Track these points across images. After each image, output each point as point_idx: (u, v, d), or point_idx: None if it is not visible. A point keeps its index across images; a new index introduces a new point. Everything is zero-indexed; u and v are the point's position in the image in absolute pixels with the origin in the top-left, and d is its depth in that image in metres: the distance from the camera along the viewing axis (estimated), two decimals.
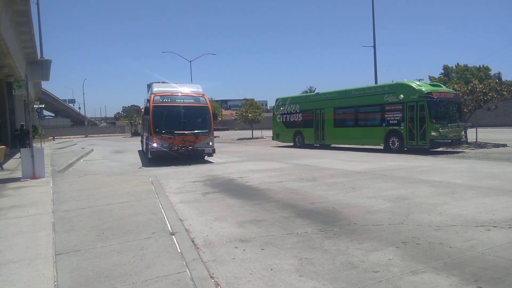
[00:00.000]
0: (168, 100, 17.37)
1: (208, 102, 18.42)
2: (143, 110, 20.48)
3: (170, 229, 6.23)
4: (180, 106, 17.44)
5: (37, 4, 34.03)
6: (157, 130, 16.46)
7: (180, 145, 16.96)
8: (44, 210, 7.95)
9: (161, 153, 16.78)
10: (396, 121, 20.15)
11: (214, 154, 18.68)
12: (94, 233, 6.14)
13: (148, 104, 17.51)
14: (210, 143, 17.62)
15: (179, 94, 18.04)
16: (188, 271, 4.46)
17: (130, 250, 5.27)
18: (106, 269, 4.61)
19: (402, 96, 19.76)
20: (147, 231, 6.15)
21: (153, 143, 16.43)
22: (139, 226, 6.39)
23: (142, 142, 24.45)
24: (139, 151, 25.68)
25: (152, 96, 17.24)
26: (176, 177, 12.81)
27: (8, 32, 21.10)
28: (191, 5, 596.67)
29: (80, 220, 7.03)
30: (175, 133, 16.71)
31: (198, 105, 17.94)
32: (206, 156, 18.73)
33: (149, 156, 17.04)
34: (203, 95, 18.38)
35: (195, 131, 17.26)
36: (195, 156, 17.94)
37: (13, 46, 23.18)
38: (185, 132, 16.93)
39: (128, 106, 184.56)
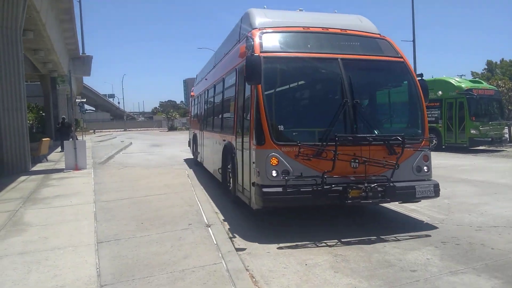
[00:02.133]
0: (307, 45, 6.74)
1: (402, 53, 7.10)
2: (193, 93, 15.61)
3: (206, 221, 6.34)
4: (337, 61, 6.51)
5: (79, 2, 35.24)
6: (284, 129, 6.04)
7: (352, 176, 6.02)
8: (86, 200, 8.29)
9: (298, 200, 5.74)
10: (434, 118, 19.54)
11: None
12: (133, 223, 6.35)
13: (239, 61, 7.32)
14: (424, 168, 6.44)
15: (330, 31, 7.03)
16: (224, 263, 4.54)
17: (168, 240, 5.42)
18: (145, 257, 4.77)
19: (440, 92, 19.10)
20: (184, 222, 6.29)
21: (272, 166, 5.82)
22: (176, 218, 6.55)
23: (197, 147, 13.29)
24: (186, 160, 16.98)
25: (256, 34, 6.61)
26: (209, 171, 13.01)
27: (53, 29, 22.01)
28: (229, 4, 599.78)
29: (120, 210, 7.28)
30: (340, 140, 5.80)
31: (381, 58, 6.94)
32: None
33: (258, 203, 5.85)
34: (383, 36, 7.33)
35: (389, 135, 6.25)
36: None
37: (57, 42, 24.18)
38: (365, 137, 6.05)
39: (165, 101, 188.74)
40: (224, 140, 8.43)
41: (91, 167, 14.08)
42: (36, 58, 25.54)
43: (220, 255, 4.80)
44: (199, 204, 7.45)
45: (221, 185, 8.94)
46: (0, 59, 12.97)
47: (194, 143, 14.58)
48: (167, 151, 22.67)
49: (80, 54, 35.86)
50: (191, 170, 12.81)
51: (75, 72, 35.57)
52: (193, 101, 15.42)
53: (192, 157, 15.69)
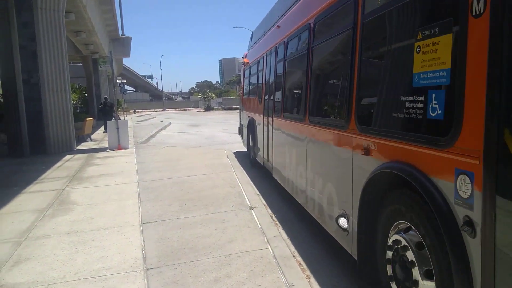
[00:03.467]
0: None
1: None
2: (246, 60, 11.03)
3: (248, 203, 6.20)
4: None
5: None
6: None
7: None
8: (130, 179, 8.36)
9: None
10: None
11: None
12: (176, 203, 6.31)
13: None
14: None
15: None
16: (270, 248, 4.37)
17: (212, 222, 5.32)
18: (190, 240, 4.68)
19: None
20: (227, 204, 6.18)
21: None
22: (218, 199, 6.45)
23: (256, 142, 9.29)
24: (237, 154, 11.72)
25: None
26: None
27: (93, 11, 22.33)
28: None
29: (163, 190, 7.27)
30: None
31: None
32: None
33: None
34: None
35: None
36: None
37: (97, 24, 24.56)
38: None
39: (201, 82, 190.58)
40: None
41: (133, 146, 14.31)
42: (78, 40, 26.12)
43: (265, 239, 4.64)
44: (241, 186, 7.32)
45: (262, 167, 8.79)
46: (44, 41, 13.24)
47: (250, 132, 9.93)
48: (205, 131, 22.76)
49: (120, 35, 36.48)
50: (230, 151, 12.71)
51: (115, 53, 36.13)
52: (248, 71, 10.70)
53: (245, 150, 11.36)
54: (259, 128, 8.60)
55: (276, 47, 7.04)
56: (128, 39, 37.77)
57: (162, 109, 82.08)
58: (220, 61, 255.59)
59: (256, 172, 9.06)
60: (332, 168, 4.15)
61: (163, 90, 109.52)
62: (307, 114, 4.97)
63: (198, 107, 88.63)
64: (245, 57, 11.45)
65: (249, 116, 10.19)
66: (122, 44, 37.28)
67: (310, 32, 4.95)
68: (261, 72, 8.37)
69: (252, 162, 10.00)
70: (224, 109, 71.43)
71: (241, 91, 12.40)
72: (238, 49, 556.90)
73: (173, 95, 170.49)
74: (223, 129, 23.67)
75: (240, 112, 12.68)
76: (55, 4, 13.45)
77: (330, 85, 4.66)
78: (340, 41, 4.10)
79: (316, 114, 4.79)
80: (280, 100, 6.53)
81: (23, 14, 12.90)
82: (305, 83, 5.05)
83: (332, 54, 4.55)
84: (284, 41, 6.40)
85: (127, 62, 72.59)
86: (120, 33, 36.82)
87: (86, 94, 32.97)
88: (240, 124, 12.56)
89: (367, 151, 3.23)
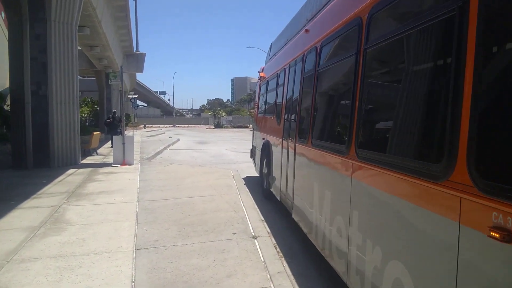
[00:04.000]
0: None
1: None
2: (263, 74, 9.82)
3: (252, 231, 5.79)
4: None
5: (135, 0, 36.10)
6: None
7: None
8: (130, 198, 8.02)
9: None
10: None
11: None
12: (175, 227, 5.92)
13: None
14: None
15: None
16: (273, 287, 3.95)
17: (211, 252, 4.92)
18: (185, 272, 4.28)
19: None
20: (229, 231, 5.78)
21: None
22: (220, 224, 6.05)
23: (271, 170, 7.84)
24: (247, 179, 10.57)
25: None
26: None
27: (108, 26, 22.48)
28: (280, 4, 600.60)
29: (163, 211, 6.90)
30: None
31: None
32: None
33: None
34: None
35: None
36: None
37: (112, 39, 24.72)
38: None
39: (212, 99, 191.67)
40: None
41: (138, 162, 14.03)
42: (92, 54, 26.32)
43: (268, 276, 4.22)
44: (245, 210, 6.92)
45: (277, 201, 8.33)
46: (56, 53, 13.17)
47: (264, 157, 8.53)
48: (213, 149, 22.47)
49: (134, 51, 36.81)
50: (237, 171, 12.34)
51: (128, 69, 36.55)
52: (264, 86, 9.46)
53: (256, 174, 10.24)
54: (276, 154, 7.22)
55: (303, 55, 5.64)
56: (142, 55, 38.08)
57: (172, 125, 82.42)
58: (232, 80, 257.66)
59: (270, 206, 8.64)
60: (411, 242, 2.48)
61: (174, 107, 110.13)
62: (353, 146, 3.42)
63: (208, 124, 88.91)
64: (262, 71, 10.09)
65: (264, 138, 8.76)
66: (136, 60, 37.58)
67: (363, 29, 3.47)
68: (282, 87, 7.02)
69: (265, 193, 8.50)
70: (234, 127, 71.43)
71: (256, 109, 10.83)
72: (250, 68, 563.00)
73: (184, 111, 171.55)
74: (231, 148, 23.36)
75: (253, 132, 11.31)
76: (69, 17, 13.43)
77: (406, 102, 2.78)
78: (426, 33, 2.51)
79: (371, 147, 3.22)
80: (307, 121, 5.07)
81: (36, 26, 12.88)
82: (352, 99, 3.55)
83: (408, 54, 2.81)
84: (316, 47, 5.01)
85: (140, 77, 73.38)
86: (135, 49, 37.18)
87: (98, 108, 33.13)
88: (252, 145, 11.15)
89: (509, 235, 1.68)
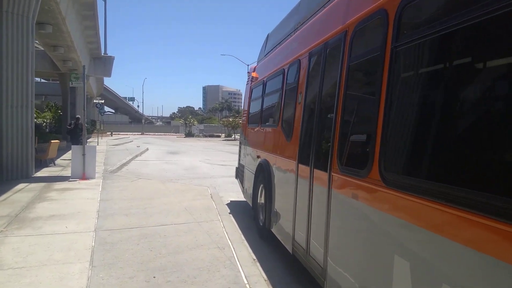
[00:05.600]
0: None
1: None
2: (256, 74, 8.29)
3: (245, 279, 4.44)
4: None
5: (105, 0, 34.28)
6: None
7: None
8: (86, 226, 6.50)
9: None
10: None
11: None
12: (142, 275, 4.49)
13: None
14: None
15: None
16: None
17: None
18: None
19: None
20: (214, 282, 4.39)
21: None
22: (202, 271, 4.64)
23: (272, 203, 5.87)
24: (231, 205, 9.07)
25: None
26: (237, 189, 11.10)
27: (74, 24, 20.70)
28: (251, 15, 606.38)
29: (127, 248, 5.44)
30: None
31: None
32: None
33: None
34: None
35: None
36: None
37: (77, 39, 22.89)
38: None
39: (183, 107, 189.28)
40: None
41: (100, 176, 12.40)
42: (55, 55, 24.29)
43: None
44: (231, 246, 5.55)
45: (250, 211, 6.88)
46: (7, 49, 11.47)
47: (260, 183, 6.74)
48: (185, 160, 20.94)
49: (102, 54, 34.86)
50: (214, 188, 10.95)
51: (95, 72, 34.54)
52: (258, 89, 7.74)
53: (244, 199, 8.51)
54: (284, 183, 5.33)
55: (341, 37, 3.76)
56: (110, 59, 36.17)
57: (140, 133, 79.96)
58: (204, 88, 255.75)
59: (245, 222, 7.31)
60: None
61: (144, 114, 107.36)
62: None
63: (179, 132, 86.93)
64: (253, 71, 8.44)
65: (258, 156, 6.86)
66: (103, 63, 35.66)
67: None
68: (296, 86, 5.12)
69: (261, 231, 6.51)
70: (205, 136, 69.87)
71: (245, 117, 8.91)
72: (223, 77, 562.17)
73: (153, 118, 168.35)
74: (205, 159, 21.90)
75: (240, 146, 9.16)
76: (24, 8, 11.76)
77: None
78: None
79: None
80: (369, 139, 3.03)
81: None
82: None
83: None
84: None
85: (108, 83, 70.57)
86: (103, 51, 35.22)
87: (61, 113, 30.95)
88: (239, 163, 9.19)
89: None
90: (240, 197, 10.01)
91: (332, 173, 3.63)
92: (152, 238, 5.89)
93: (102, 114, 42.01)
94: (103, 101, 40.03)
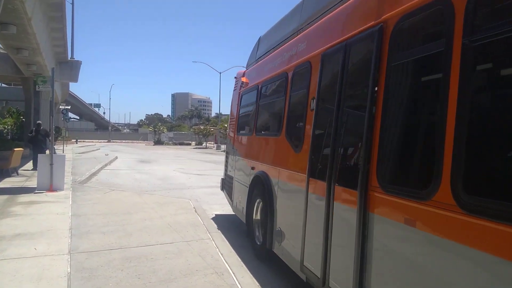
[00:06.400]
0: None
1: None
2: (246, 79, 7.69)
3: None
4: None
5: (72, 2, 32.91)
6: None
7: None
8: (58, 248, 5.68)
9: None
10: None
11: None
12: None
13: None
14: None
15: None
16: None
17: None
18: None
19: None
20: None
21: None
22: None
23: (273, 226, 5.29)
24: (217, 218, 8.50)
25: None
26: (220, 201, 10.45)
27: (40, 26, 19.49)
28: (227, 18, 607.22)
29: (109, 275, 4.70)
30: None
31: None
32: None
33: None
34: None
35: None
36: None
37: (43, 42, 21.64)
38: None
39: (151, 114, 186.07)
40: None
41: (69, 187, 11.43)
42: (19, 58, 22.82)
43: None
44: (231, 271, 4.91)
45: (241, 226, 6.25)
46: None
47: (258, 199, 6.12)
48: (158, 170, 20.03)
49: (69, 58, 33.42)
50: (196, 200, 10.25)
51: (61, 77, 32.96)
52: (251, 94, 7.15)
53: (231, 212, 8.01)
54: (290, 200, 4.80)
55: (373, 33, 3.23)
56: (78, 63, 34.73)
57: (107, 140, 77.68)
58: (173, 95, 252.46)
59: (238, 239, 6.68)
60: None
61: (110, 121, 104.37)
62: None
63: (147, 140, 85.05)
64: (243, 76, 7.92)
65: (253, 168, 6.33)
66: (70, 67, 34.18)
67: None
68: (306, 91, 4.53)
69: (258, 251, 5.89)
70: (175, 144, 68.54)
71: (232, 125, 8.32)
72: (193, 84, 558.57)
73: (120, 126, 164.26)
74: (179, 168, 21.05)
75: (227, 156, 8.58)
76: None
77: None
78: None
79: None
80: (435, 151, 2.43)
81: None
82: None
83: None
84: None
85: (73, 88, 67.92)
86: (69, 55, 33.75)
87: (24, 119, 29.26)
88: (226, 174, 8.54)
89: None
90: (225, 210, 9.41)
91: (371, 192, 3.04)
92: (138, 262, 5.16)
93: (67, 120, 40.27)
94: (69, 107, 38.38)
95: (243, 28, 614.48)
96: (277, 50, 6.12)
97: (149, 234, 6.58)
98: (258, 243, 5.92)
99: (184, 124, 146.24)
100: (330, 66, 4.07)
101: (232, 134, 8.23)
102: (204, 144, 62.00)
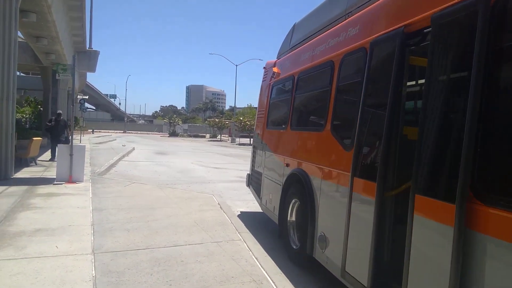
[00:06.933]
0: None
1: None
2: (278, 70, 7.18)
3: None
4: None
5: None
6: None
7: None
8: (81, 246, 5.31)
9: None
10: None
11: None
12: None
13: None
14: None
15: None
16: None
17: None
18: None
19: None
20: None
21: None
22: None
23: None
24: (244, 215, 8.18)
25: None
26: (243, 197, 10.04)
27: (59, 14, 19.26)
28: (242, 14, 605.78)
29: (139, 280, 4.28)
30: None
31: None
32: None
33: None
34: None
35: None
36: None
37: (62, 31, 21.43)
38: None
39: (166, 106, 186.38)
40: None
41: (88, 179, 11.14)
42: (38, 46, 22.69)
43: None
44: (270, 280, 4.44)
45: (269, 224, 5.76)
46: None
47: (294, 199, 5.64)
48: (177, 162, 19.71)
49: (87, 48, 33.31)
50: (219, 195, 9.83)
51: (79, 67, 32.86)
52: (286, 87, 6.69)
53: (258, 210, 7.72)
54: (340, 204, 4.09)
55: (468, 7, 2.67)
56: (96, 53, 34.62)
57: (123, 131, 77.95)
58: (188, 87, 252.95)
59: (269, 240, 6.24)
60: None
61: (126, 112, 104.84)
62: None
63: (162, 131, 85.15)
64: (274, 66, 7.38)
65: (287, 165, 5.84)
66: (88, 57, 34.09)
67: None
68: (362, 80, 3.93)
69: (294, 255, 5.41)
70: (190, 136, 68.41)
71: (262, 118, 7.71)
72: (207, 77, 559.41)
73: (135, 117, 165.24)
74: (197, 161, 20.72)
75: (255, 151, 8.04)
76: None
77: None
78: None
79: None
80: None
81: None
82: None
83: None
84: None
85: (89, 79, 67.85)
86: (88, 45, 33.64)
87: (42, 109, 29.24)
88: (252, 170, 8.08)
89: None
90: (250, 207, 9.03)
91: (473, 205, 2.43)
92: (168, 265, 4.75)
93: (84, 110, 40.28)
94: (86, 97, 38.41)
95: (256, 27, 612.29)
96: (318, 37, 5.59)
97: (176, 232, 6.18)
98: (295, 247, 5.45)
99: (198, 116, 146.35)
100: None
101: (261, 128, 7.74)
102: (218, 136, 61.71)
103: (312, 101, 5.72)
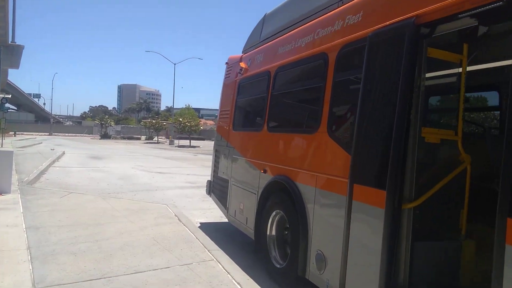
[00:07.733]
0: None
1: None
2: (244, 65, 6.51)
3: None
4: None
5: None
6: None
7: None
8: (16, 279, 4.21)
9: None
10: None
11: None
12: None
13: None
14: None
15: None
16: None
17: None
18: None
19: None
20: None
21: None
22: None
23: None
24: (204, 226, 7.37)
25: None
26: (198, 205, 9.25)
27: None
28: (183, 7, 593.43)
29: None
30: None
31: None
32: None
33: None
34: None
35: None
36: None
37: None
38: None
39: (96, 106, 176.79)
40: None
41: (16, 189, 9.67)
42: None
43: None
44: None
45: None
46: None
47: (276, 207, 5.00)
48: (114, 167, 18.25)
49: (9, 42, 30.27)
50: (173, 205, 8.91)
51: (1, 63, 29.78)
52: (260, 84, 5.93)
53: (218, 219, 7.59)
54: (339, 218, 3.58)
55: None
56: (19, 48, 31.65)
57: (48, 133, 72.72)
58: (120, 87, 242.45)
59: (246, 261, 5.53)
60: None
61: (52, 112, 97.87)
62: None
63: (92, 133, 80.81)
64: (241, 61, 6.74)
65: (264, 171, 5.25)
66: (11, 53, 31.05)
67: None
68: (367, 75, 3.47)
69: (279, 275, 4.78)
70: (124, 138, 65.33)
71: (225, 118, 7.09)
72: (140, 76, 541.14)
73: (62, 118, 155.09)
74: (137, 166, 19.40)
75: (217, 155, 7.30)
76: None
77: None
78: None
79: None
80: None
81: None
82: None
83: None
84: None
85: (10, 76, 61.91)
86: (10, 39, 30.56)
87: None
88: (215, 176, 7.34)
89: None
90: (209, 216, 8.35)
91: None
92: None
93: (6, 111, 36.60)
94: (9, 96, 34.97)
95: (196, 13, 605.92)
96: (302, 26, 5.00)
97: (134, 254, 5.25)
98: (278, 266, 4.82)
99: (131, 117, 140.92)
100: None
101: (225, 129, 7.02)
102: (155, 138, 59.54)
103: (297, 100, 5.14)
